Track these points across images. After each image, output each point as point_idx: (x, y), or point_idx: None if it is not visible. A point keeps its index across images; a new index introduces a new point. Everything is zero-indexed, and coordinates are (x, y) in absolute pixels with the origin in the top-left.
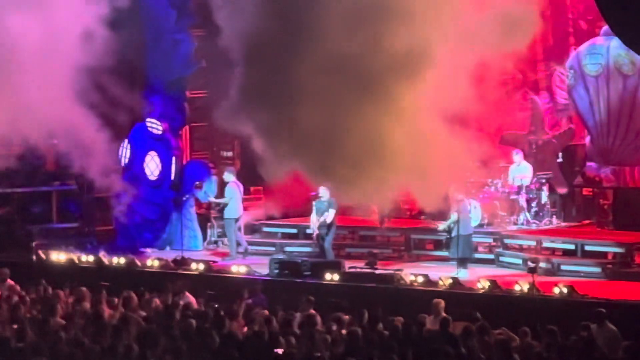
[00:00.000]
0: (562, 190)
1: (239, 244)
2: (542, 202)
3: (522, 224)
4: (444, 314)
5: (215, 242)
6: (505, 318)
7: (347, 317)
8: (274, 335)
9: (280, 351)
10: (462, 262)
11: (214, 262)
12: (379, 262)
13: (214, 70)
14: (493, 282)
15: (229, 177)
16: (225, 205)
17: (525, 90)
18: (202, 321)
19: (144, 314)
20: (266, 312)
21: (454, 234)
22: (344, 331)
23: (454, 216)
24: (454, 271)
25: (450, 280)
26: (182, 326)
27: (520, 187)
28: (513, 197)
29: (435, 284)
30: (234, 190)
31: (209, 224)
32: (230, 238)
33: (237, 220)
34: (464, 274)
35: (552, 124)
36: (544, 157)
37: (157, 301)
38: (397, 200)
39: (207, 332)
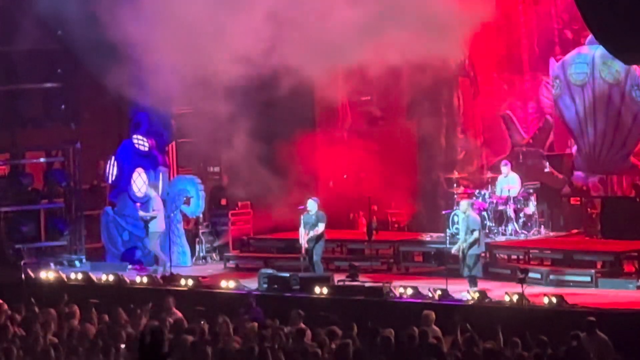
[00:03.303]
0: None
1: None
2: (530, 212)
3: (511, 235)
4: (434, 327)
5: (204, 258)
6: (495, 329)
7: (337, 330)
8: (264, 350)
9: None
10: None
11: (203, 277)
12: (368, 275)
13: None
14: (482, 293)
15: (151, 191)
16: (152, 219)
17: (511, 101)
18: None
19: (132, 331)
20: (256, 325)
21: (472, 251)
22: (334, 344)
23: (476, 233)
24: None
25: (440, 292)
26: (175, 342)
27: (508, 198)
28: (501, 207)
29: (424, 295)
30: (160, 203)
31: (197, 239)
32: (157, 251)
33: (160, 234)
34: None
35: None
36: (533, 163)
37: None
38: (385, 213)
39: (200, 347)
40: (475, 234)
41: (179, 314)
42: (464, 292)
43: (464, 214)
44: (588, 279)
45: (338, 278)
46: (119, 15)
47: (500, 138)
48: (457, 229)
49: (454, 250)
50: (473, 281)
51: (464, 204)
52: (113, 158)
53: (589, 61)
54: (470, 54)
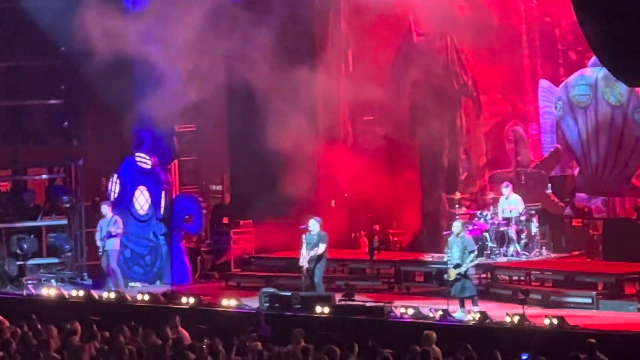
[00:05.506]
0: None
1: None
2: (532, 233)
3: (512, 256)
4: (434, 347)
5: (206, 276)
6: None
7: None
8: None
9: None
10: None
11: (204, 295)
12: (369, 295)
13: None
14: (483, 314)
15: (107, 210)
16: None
17: (514, 122)
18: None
19: (132, 348)
20: (259, 344)
21: (471, 271)
22: None
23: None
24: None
25: (441, 312)
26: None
27: (509, 219)
28: (502, 228)
29: (425, 316)
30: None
31: (198, 257)
32: (115, 269)
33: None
34: (461, 314)
35: (538, 154)
36: (534, 185)
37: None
38: (387, 233)
39: None
40: (475, 254)
41: (185, 332)
42: (457, 312)
43: (456, 236)
44: (589, 300)
45: (339, 297)
46: (122, 31)
47: (504, 159)
48: (449, 255)
49: (451, 276)
50: (475, 301)
51: (457, 225)
52: (115, 175)
53: (592, 83)
54: (474, 75)
